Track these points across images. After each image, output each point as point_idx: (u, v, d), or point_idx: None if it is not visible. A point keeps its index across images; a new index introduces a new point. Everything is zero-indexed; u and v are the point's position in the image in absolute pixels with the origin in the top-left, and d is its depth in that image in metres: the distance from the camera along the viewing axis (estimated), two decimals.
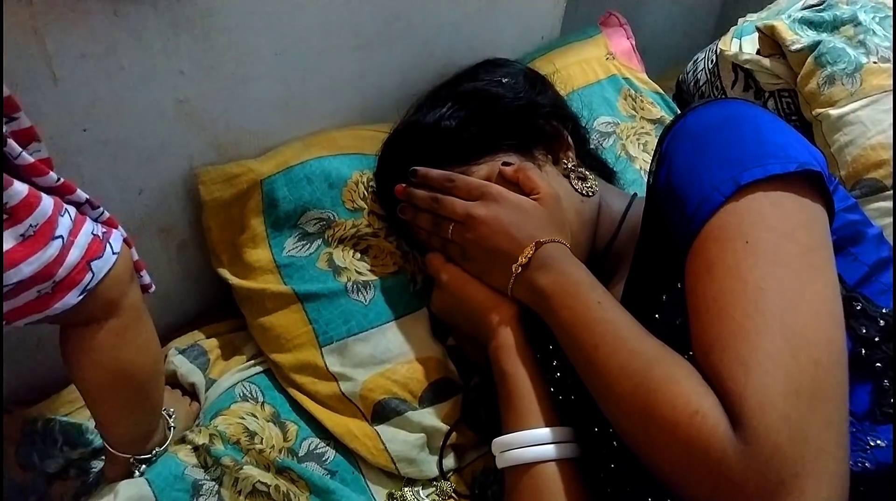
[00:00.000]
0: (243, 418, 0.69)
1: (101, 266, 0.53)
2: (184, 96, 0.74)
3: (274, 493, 0.64)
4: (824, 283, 0.52)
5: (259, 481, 0.64)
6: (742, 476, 0.46)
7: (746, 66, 1.09)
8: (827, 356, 0.49)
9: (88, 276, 0.52)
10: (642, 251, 0.66)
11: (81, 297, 0.51)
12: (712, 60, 1.19)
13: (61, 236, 0.49)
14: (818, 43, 0.99)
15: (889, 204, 0.95)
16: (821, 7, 1.07)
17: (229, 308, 0.81)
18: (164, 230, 0.80)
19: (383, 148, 0.80)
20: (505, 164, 0.72)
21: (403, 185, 0.74)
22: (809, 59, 0.99)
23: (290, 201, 0.77)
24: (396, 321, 0.75)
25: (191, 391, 0.76)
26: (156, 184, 0.77)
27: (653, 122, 1.07)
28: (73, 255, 0.50)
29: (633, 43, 1.17)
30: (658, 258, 0.61)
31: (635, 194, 0.78)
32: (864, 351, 0.55)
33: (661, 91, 1.14)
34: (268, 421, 0.70)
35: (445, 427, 0.72)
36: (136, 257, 0.59)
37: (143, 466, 0.65)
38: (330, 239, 0.78)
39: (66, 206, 0.51)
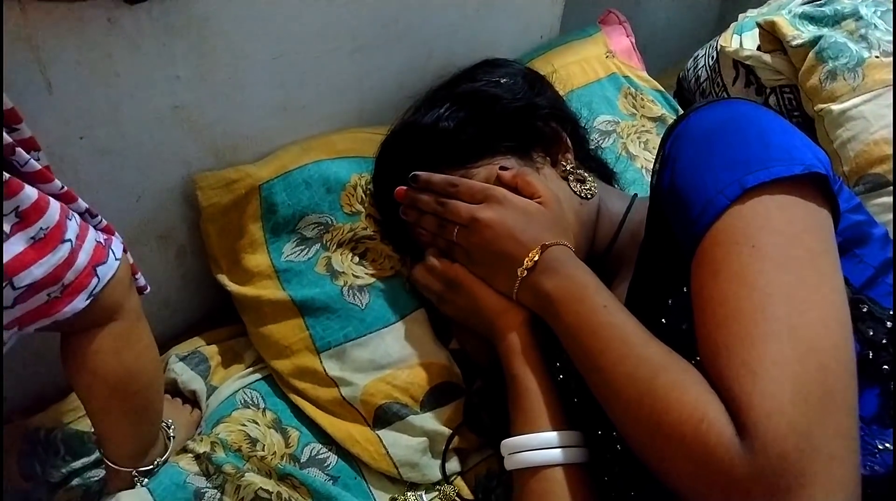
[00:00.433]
0: (244, 425, 0.69)
1: (105, 271, 0.53)
2: (180, 102, 0.74)
3: (276, 500, 0.64)
4: (831, 288, 0.52)
5: (261, 488, 0.64)
6: (749, 484, 0.45)
7: (747, 62, 1.08)
8: (835, 363, 0.49)
9: (94, 280, 0.52)
10: (646, 254, 0.65)
11: (89, 301, 0.52)
12: (713, 57, 1.18)
13: (70, 240, 0.50)
14: (819, 38, 0.99)
15: (892, 199, 0.94)
16: (821, 2, 1.06)
17: (230, 314, 0.81)
18: (163, 237, 0.80)
19: (380, 150, 0.80)
20: (503, 168, 0.72)
21: (405, 188, 0.74)
22: (811, 55, 0.98)
23: (288, 205, 0.77)
24: (395, 325, 0.74)
25: (192, 399, 0.76)
26: (153, 190, 0.76)
27: (653, 120, 1.06)
28: (81, 259, 0.51)
29: (633, 41, 1.17)
30: (663, 262, 0.61)
31: (636, 195, 0.77)
32: (871, 354, 0.54)
33: (662, 89, 1.14)
34: (269, 428, 0.70)
35: (448, 431, 0.71)
36: (130, 260, 0.59)
37: (146, 479, 0.65)
38: (328, 243, 0.78)
39: (71, 211, 0.52)
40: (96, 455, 0.69)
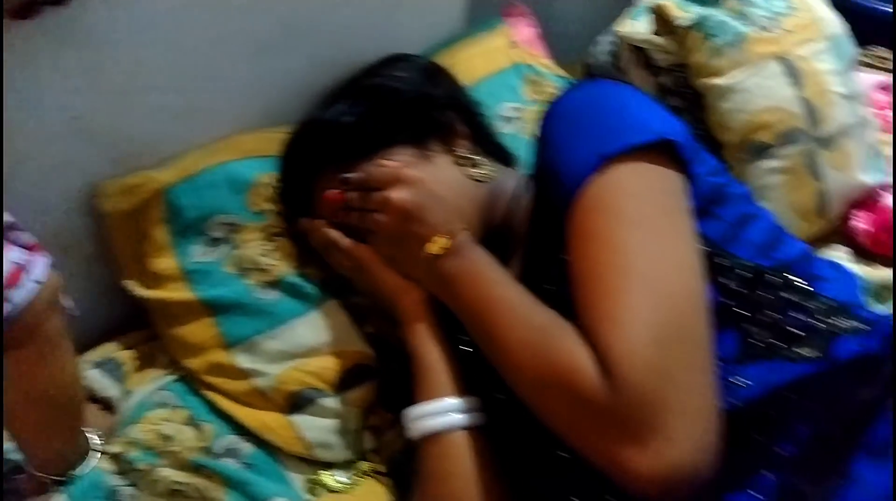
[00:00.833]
0: (158, 424, 0.71)
1: (19, 296, 0.53)
2: (78, 113, 0.75)
3: (191, 491, 0.66)
4: (683, 241, 0.57)
5: (174, 481, 0.65)
6: (614, 419, 0.50)
7: (641, 45, 1.14)
8: (689, 306, 0.54)
9: (7, 305, 0.52)
10: (535, 229, 0.70)
11: None
12: (613, 42, 1.23)
13: None
14: (704, 17, 1.04)
15: (776, 163, 1.00)
16: None
17: (143, 319, 0.82)
18: (69, 248, 0.81)
19: (282, 148, 0.82)
20: (396, 158, 0.74)
21: (335, 191, 0.74)
22: (696, 34, 1.04)
23: (194, 208, 0.79)
24: (306, 316, 0.77)
25: (108, 405, 0.77)
26: (56, 203, 0.77)
27: None
28: None
29: (537, 30, 1.21)
30: (547, 234, 0.65)
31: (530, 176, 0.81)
32: (728, 301, 0.59)
33: (567, 75, 1.18)
34: (183, 424, 0.72)
35: (361, 411, 0.74)
36: (57, 280, 0.59)
37: (63, 487, 0.66)
38: (237, 243, 0.80)
39: None
40: (13, 461, 0.70)
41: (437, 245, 0.66)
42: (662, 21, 1.10)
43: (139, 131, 0.81)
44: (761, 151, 1.00)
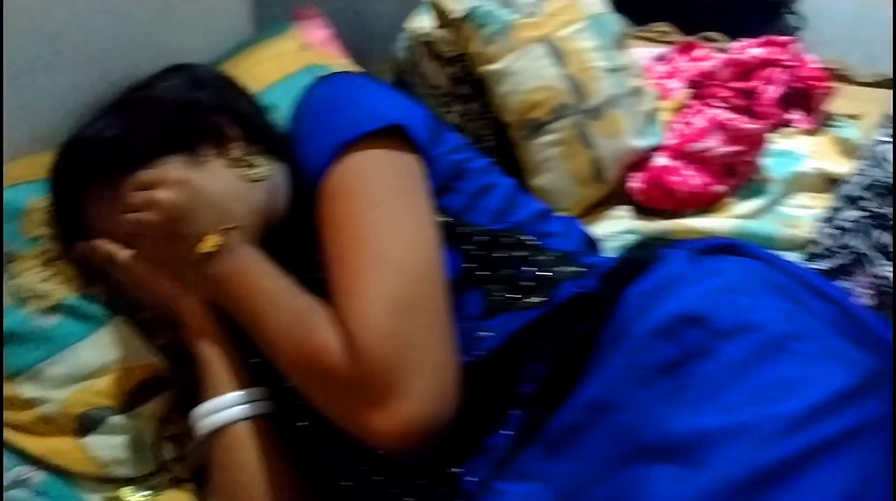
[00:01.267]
0: None
1: None
2: None
3: None
4: (418, 217, 0.62)
5: None
6: (357, 388, 0.54)
7: (428, 39, 1.20)
8: (424, 275, 0.59)
9: None
10: (301, 222, 0.73)
11: None
12: (407, 38, 1.29)
13: None
14: (473, 8, 1.12)
15: (551, 137, 1.09)
16: None
17: None
18: None
19: (50, 169, 0.80)
20: (166, 166, 0.75)
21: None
22: (469, 24, 1.11)
23: None
24: (90, 337, 0.76)
25: None
26: None
27: None
28: None
29: (331, 31, 1.25)
30: (308, 225, 0.68)
31: None
32: (470, 265, 0.65)
33: (364, 71, 1.23)
34: None
35: (156, 422, 0.75)
36: None
37: None
38: (13, 273, 0.77)
39: None
40: None
41: (207, 245, 0.68)
42: (440, 14, 1.16)
43: None
44: (537, 127, 1.09)
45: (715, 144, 1.15)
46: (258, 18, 1.18)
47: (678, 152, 1.17)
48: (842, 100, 1.36)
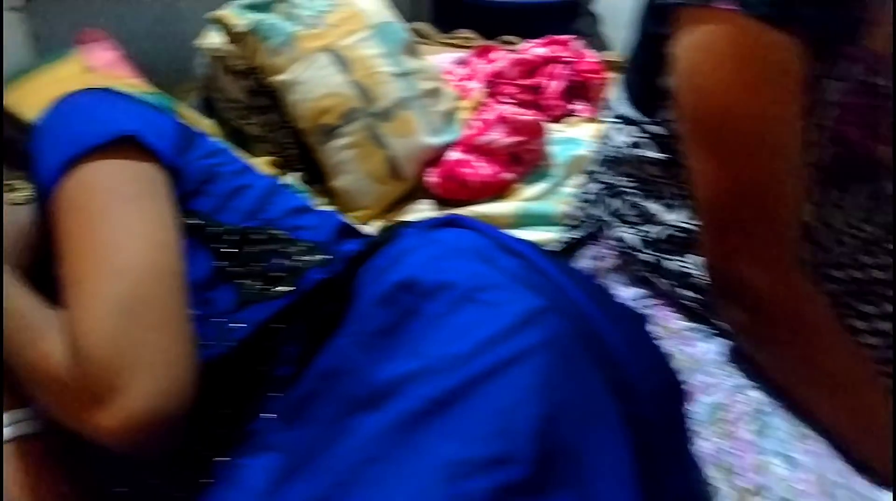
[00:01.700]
0: None
1: None
2: None
3: None
4: (151, 221, 0.63)
5: None
6: (79, 391, 0.55)
7: (219, 54, 1.22)
8: (150, 275, 0.60)
9: None
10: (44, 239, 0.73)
11: None
12: (203, 56, 1.30)
13: None
14: (257, 22, 1.15)
15: (344, 140, 1.15)
16: None
17: None
18: None
19: None
20: None
21: None
22: (253, 38, 1.15)
23: None
24: None
25: None
26: None
27: None
28: None
29: (119, 53, 1.24)
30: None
31: None
32: (221, 263, 0.67)
33: (155, 91, 1.23)
34: None
35: None
36: None
37: None
38: None
39: None
40: None
41: None
42: (227, 30, 1.19)
43: None
44: (329, 132, 1.14)
45: (499, 136, 1.25)
46: (40, 44, 1.16)
47: (469, 146, 1.26)
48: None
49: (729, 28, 0.59)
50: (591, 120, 1.43)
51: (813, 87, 0.61)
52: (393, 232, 0.70)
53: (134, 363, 0.56)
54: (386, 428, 0.50)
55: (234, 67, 1.21)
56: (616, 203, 0.81)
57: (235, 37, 1.17)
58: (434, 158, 1.26)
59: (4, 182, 0.81)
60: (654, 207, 0.76)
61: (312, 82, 1.13)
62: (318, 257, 0.70)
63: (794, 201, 0.63)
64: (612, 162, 0.82)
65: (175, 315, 0.60)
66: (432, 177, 1.24)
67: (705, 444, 0.65)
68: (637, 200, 0.78)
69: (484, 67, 1.55)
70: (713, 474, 0.64)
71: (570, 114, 1.43)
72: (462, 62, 1.61)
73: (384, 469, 0.49)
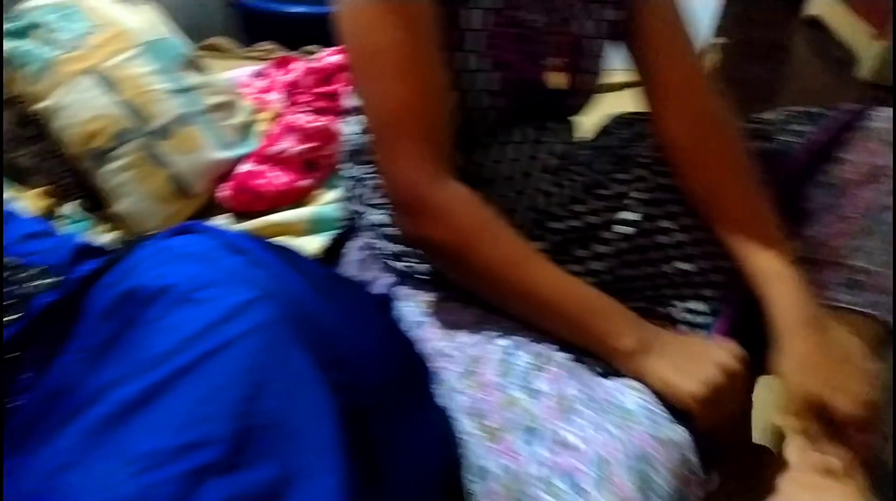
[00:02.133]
0: None
1: None
2: None
3: None
4: None
5: None
6: None
7: None
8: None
9: None
10: None
11: None
12: None
13: None
14: (10, 50, 1.10)
15: (118, 163, 1.12)
16: (14, 18, 1.18)
17: None
18: None
19: None
20: None
21: None
22: (9, 67, 1.10)
23: None
24: None
25: None
26: None
27: None
28: None
29: None
30: None
31: None
32: None
33: None
34: None
35: None
36: None
37: None
38: None
39: None
40: None
41: None
42: None
43: None
44: (101, 155, 1.11)
45: (290, 145, 1.26)
46: None
47: (262, 157, 1.26)
48: None
49: None
50: None
51: (452, 18, 0.72)
52: (129, 247, 0.70)
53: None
54: (82, 434, 0.50)
55: None
56: (365, 191, 0.85)
57: None
58: (228, 172, 1.25)
59: None
60: None
61: (76, 106, 1.10)
62: (49, 280, 0.68)
63: (444, 117, 0.71)
64: (353, 154, 0.85)
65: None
66: (225, 191, 1.23)
67: (461, 397, 0.70)
68: (377, 181, 0.81)
69: (283, 77, 1.55)
70: (467, 422, 0.68)
71: None
72: (260, 74, 1.61)
73: (75, 474, 0.49)
